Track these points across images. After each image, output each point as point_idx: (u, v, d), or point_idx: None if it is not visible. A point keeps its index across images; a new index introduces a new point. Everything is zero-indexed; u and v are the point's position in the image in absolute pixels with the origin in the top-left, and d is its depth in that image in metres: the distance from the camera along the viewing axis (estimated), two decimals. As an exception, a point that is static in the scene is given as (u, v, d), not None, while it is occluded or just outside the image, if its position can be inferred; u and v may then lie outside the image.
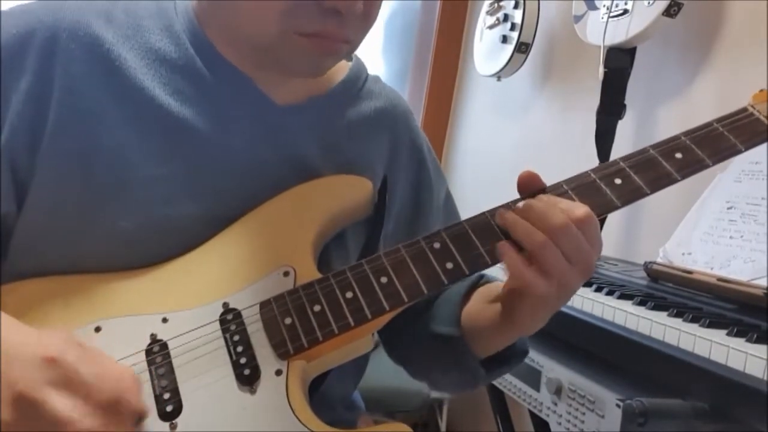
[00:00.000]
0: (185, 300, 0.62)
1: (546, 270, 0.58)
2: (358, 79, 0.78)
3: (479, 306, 0.73)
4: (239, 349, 0.59)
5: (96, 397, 0.48)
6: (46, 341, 0.49)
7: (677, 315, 0.88)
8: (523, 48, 1.84)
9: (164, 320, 0.61)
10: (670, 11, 1.29)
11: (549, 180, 0.66)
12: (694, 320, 0.85)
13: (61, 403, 0.47)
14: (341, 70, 0.77)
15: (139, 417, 0.52)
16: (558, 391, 1.01)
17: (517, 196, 0.65)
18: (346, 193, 0.70)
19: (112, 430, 0.48)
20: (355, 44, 0.67)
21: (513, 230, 0.60)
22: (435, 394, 1.98)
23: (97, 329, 0.60)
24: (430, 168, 0.82)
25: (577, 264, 0.59)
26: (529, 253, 0.59)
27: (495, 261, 0.61)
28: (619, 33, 1.38)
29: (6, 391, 0.47)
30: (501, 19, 1.91)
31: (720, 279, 0.95)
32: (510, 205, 0.63)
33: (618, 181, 0.64)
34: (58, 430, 0.46)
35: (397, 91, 0.83)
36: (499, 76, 1.96)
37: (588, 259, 0.59)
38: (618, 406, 0.85)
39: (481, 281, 0.77)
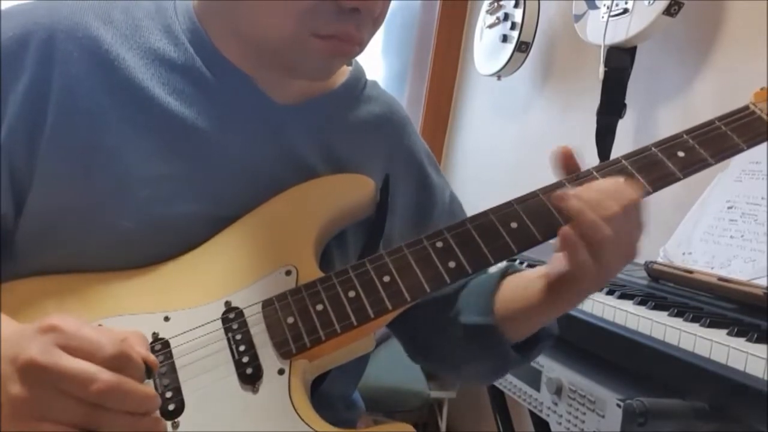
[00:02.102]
0: (187, 299, 0.62)
1: (598, 256, 0.59)
2: (358, 83, 0.78)
3: (514, 291, 0.73)
4: (241, 348, 0.59)
5: (102, 353, 0.48)
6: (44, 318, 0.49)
7: (678, 315, 0.88)
8: (523, 47, 1.84)
9: (166, 319, 0.61)
10: (671, 11, 1.29)
11: (548, 180, 0.66)
12: (694, 320, 0.85)
13: (75, 363, 0.46)
14: (341, 73, 0.77)
15: (149, 369, 0.52)
16: (558, 391, 1.01)
17: (516, 195, 0.65)
18: (349, 191, 0.70)
19: (126, 384, 0.47)
20: (365, 46, 0.67)
21: (581, 219, 0.59)
22: (435, 394, 1.98)
23: (99, 328, 0.60)
24: (430, 172, 0.82)
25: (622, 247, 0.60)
26: (588, 242, 0.59)
27: (498, 259, 0.62)
28: (619, 32, 1.38)
29: (10, 367, 0.47)
30: (501, 18, 1.91)
31: (720, 279, 0.95)
32: (512, 204, 0.63)
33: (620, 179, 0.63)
34: (76, 392, 0.46)
35: (394, 97, 0.84)
36: (499, 75, 1.96)
37: (634, 241, 0.61)
38: (618, 406, 0.85)
39: (510, 270, 0.77)
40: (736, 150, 0.66)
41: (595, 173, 0.64)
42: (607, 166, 0.65)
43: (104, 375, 0.47)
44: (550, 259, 0.65)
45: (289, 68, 0.66)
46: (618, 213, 0.58)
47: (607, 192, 0.60)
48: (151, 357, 0.52)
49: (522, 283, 0.72)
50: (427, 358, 0.83)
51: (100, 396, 0.46)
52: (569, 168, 0.65)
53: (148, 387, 0.50)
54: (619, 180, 0.61)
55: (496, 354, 0.73)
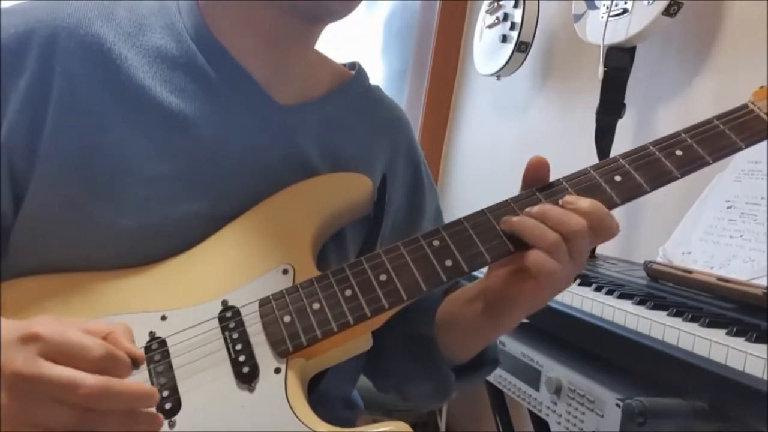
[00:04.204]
0: (184, 298, 0.62)
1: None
2: (360, 86, 0.79)
3: (457, 307, 0.73)
4: (238, 347, 0.58)
5: (89, 356, 0.47)
6: (24, 323, 0.49)
7: (677, 314, 0.88)
8: (522, 47, 1.84)
9: (163, 318, 0.60)
10: (670, 10, 1.29)
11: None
12: (693, 320, 0.85)
13: (59, 370, 0.46)
14: (344, 75, 0.78)
15: (135, 363, 0.51)
16: (558, 390, 1.01)
17: (515, 194, 0.65)
18: (346, 190, 0.70)
19: (114, 385, 0.47)
20: None
21: (524, 233, 0.60)
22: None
23: (96, 327, 0.59)
24: (424, 180, 0.83)
25: (577, 260, 0.60)
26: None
27: (494, 258, 0.61)
28: (618, 32, 1.38)
29: None
30: (501, 18, 1.91)
31: (720, 278, 0.95)
32: (509, 203, 0.63)
33: (618, 178, 0.63)
34: (64, 399, 0.46)
35: (396, 102, 0.84)
36: (498, 75, 1.96)
37: (585, 256, 0.61)
38: (617, 405, 0.85)
39: (455, 285, 0.77)
40: (734, 148, 0.65)
41: (592, 172, 0.64)
42: (604, 165, 0.65)
43: (90, 379, 0.46)
44: (489, 277, 0.66)
45: (294, 7, 0.66)
46: (581, 229, 0.59)
47: (573, 208, 0.60)
48: (136, 350, 0.52)
49: (462, 299, 0.72)
50: (373, 372, 0.82)
51: (88, 399, 0.46)
52: (540, 179, 0.64)
53: (140, 383, 0.50)
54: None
55: (435, 371, 0.72)
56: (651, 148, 0.65)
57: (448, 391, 0.75)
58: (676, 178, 0.64)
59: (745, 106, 0.68)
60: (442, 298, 0.76)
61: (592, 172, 0.64)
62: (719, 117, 0.67)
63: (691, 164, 0.64)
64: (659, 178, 0.63)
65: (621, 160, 0.65)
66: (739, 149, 0.65)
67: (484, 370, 0.77)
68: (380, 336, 0.67)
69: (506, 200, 0.64)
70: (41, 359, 0.46)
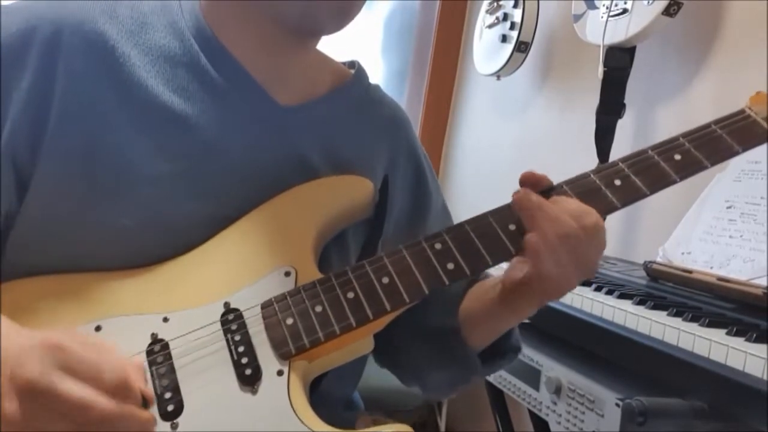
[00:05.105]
0: (186, 300, 0.62)
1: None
2: (361, 86, 0.79)
3: (476, 296, 0.74)
4: (240, 349, 0.59)
5: (104, 380, 0.48)
6: (47, 332, 0.49)
7: (677, 314, 0.88)
8: (522, 47, 1.84)
9: (165, 320, 0.60)
10: (670, 10, 1.29)
11: (547, 179, 0.66)
12: (693, 320, 0.85)
13: (74, 387, 0.47)
14: (344, 75, 0.78)
15: (145, 402, 0.52)
16: (557, 390, 1.01)
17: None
18: (348, 193, 0.70)
19: (124, 412, 0.48)
20: None
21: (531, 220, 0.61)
22: (434, 394, 1.97)
23: (98, 328, 0.60)
24: (428, 176, 0.83)
25: (578, 266, 0.61)
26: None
27: (496, 261, 0.62)
28: (618, 32, 1.38)
29: (8, 383, 0.47)
30: (500, 18, 1.91)
31: (720, 278, 0.95)
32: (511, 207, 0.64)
33: (618, 182, 0.64)
34: (75, 417, 0.46)
35: (396, 101, 0.84)
36: (498, 75, 1.96)
37: (589, 262, 0.62)
38: (617, 405, 0.85)
39: (480, 276, 0.78)
40: (731, 153, 0.67)
41: (592, 176, 0.65)
42: (604, 169, 0.66)
43: (100, 406, 0.47)
44: (509, 265, 0.67)
45: (305, 17, 0.65)
46: (570, 233, 0.60)
47: (566, 210, 0.61)
48: (148, 391, 0.53)
49: (483, 287, 0.73)
50: (394, 364, 0.83)
51: (99, 423, 0.47)
52: (541, 186, 0.66)
53: (146, 412, 0.51)
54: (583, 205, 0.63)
55: (459, 360, 0.73)
56: (650, 152, 0.66)
57: (470, 378, 0.76)
58: (675, 182, 0.65)
59: (742, 111, 0.69)
60: (466, 290, 0.76)
61: (592, 176, 0.65)
62: (717, 122, 0.68)
63: (689, 168, 0.65)
64: (659, 182, 0.65)
65: (621, 164, 0.66)
66: (736, 153, 0.67)
67: (507, 357, 0.77)
68: (404, 328, 0.68)
69: (507, 204, 0.64)
70: (59, 371, 0.47)
